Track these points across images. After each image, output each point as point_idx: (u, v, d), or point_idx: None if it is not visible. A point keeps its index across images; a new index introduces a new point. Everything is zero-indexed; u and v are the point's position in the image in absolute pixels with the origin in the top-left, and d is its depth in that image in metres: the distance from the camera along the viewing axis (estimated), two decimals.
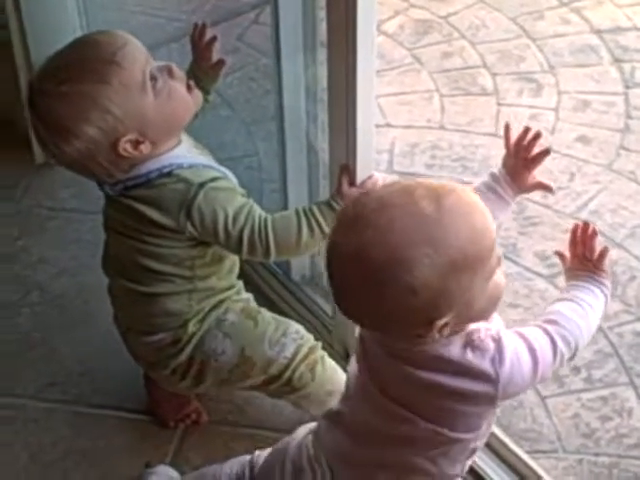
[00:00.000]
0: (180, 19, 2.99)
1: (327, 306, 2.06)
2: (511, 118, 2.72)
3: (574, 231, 1.53)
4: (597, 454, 1.93)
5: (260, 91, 2.61)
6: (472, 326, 1.35)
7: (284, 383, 1.81)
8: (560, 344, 1.39)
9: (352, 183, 1.72)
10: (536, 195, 2.44)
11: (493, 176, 1.59)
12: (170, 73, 1.66)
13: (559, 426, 1.97)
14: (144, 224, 1.69)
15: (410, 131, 2.69)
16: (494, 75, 2.87)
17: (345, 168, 1.72)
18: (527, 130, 1.57)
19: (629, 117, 2.72)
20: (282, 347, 1.78)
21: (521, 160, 1.56)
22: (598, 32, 3.02)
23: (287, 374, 1.80)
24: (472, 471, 1.82)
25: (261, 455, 1.68)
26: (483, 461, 1.84)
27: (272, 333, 1.79)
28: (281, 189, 2.13)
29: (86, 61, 1.62)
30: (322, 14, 1.78)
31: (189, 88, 1.69)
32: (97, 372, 2.06)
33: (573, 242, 1.53)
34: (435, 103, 2.79)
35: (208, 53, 1.83)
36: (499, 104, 2.78)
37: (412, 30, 3.05)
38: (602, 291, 1.48)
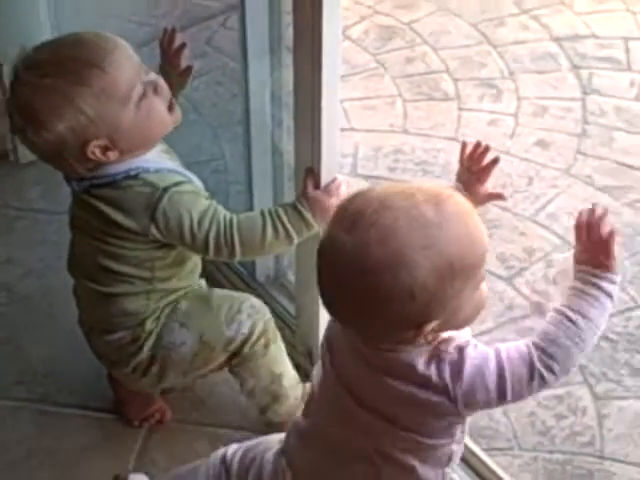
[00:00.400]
0: (150, 23, 2.97)
1: (291, 306, 2.06)
2: (472, 123, 2.73)
3: (579, 217, 1.44)
4: (552, 451, 1.93)
5: (227, 95, 2.61)
6: (442, 335, 1.34)
7: (239, 358, 1.80)
8: (541, 369, 1.34)
9: (317, 186, 1.72)
10: None
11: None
12: (155, 89, 1.64)
13: (515, 424, 1.98)
14: (108, 225, 1.68)
15: (373, 135, 2.69)
16: (456, 80, 2.88)
17: (310, 171, 1.72)
18: (479, 144, 1.56)
19: (586, 122, 2.74)
20: (239, 324, 1.77)
21: (473, 173, 1.56)
22: (557, 39, 3.04)
23: (245, 350, 1.79)
24: None
25: (234, 457, 1.62)
26: None
27: (227, 312, 1.77)
28: (247, 191, 2.12)
29: (71, 60, 1.59)
30: (288, 19, 1.78)
31: (171, 107, 1.68)
32: (62, 372, 2.04)
33: (578, 228, 1.44)
34: (398, 108, 2.79)
35: (177, 60, 1.82)
36: (460, 109, 2.79)
37: (376, 36, 3.05)
38: (607, 295, 1.39)
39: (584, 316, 1.37)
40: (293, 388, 1.88)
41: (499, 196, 1.58)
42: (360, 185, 2.50)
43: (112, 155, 1.63)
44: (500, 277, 2.28)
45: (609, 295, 1.40)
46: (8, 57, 2.33)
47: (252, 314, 1.79)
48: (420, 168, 2.58)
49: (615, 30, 3.08)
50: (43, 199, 2.45)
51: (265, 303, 2.06)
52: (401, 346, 1.32)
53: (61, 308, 2.15)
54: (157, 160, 1.71)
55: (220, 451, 1.64)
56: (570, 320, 1.37)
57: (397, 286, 1.23)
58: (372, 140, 2.68)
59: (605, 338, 2.14)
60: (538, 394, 1.98)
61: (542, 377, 1.35)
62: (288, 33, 1.82)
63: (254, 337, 1.79)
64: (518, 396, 1.35)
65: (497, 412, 1.98)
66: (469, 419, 1.43)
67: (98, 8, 2.96)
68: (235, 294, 1.84)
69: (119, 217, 1.66)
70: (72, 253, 1.83)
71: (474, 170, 1.56)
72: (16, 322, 2.15)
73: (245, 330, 1.78)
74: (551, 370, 1.35)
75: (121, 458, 1.89)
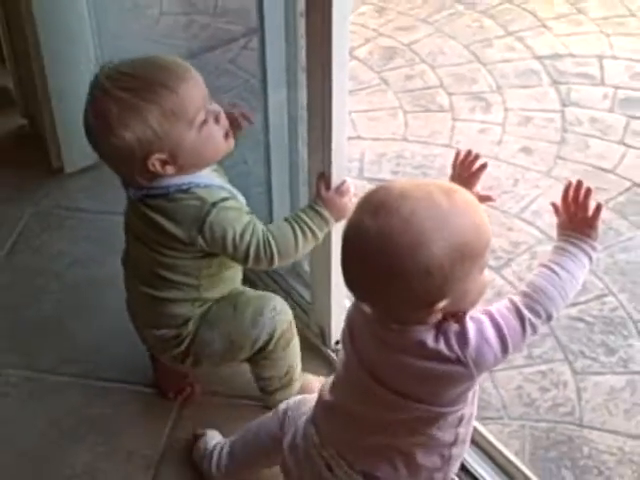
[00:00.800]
0: (180, 45, 2.98)
1: (306, 293, 2.06)
2: (464, 131, 2.72)
3: (567, 189, 1.44)
4: (537, 420, 1.93)
5: (249, 108, 2.60)
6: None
7: (264, 353, 1.79)
8: (528, 315, 1.35)
9: (328, 188, 1.71)
10: None
11: None
12: (216, 118, 1.62)
13: (504, 396, 1.97)
14: (162, 235, 1.65)
15: (378, 143, 2.69)
16: (450, 94, 2.87)
17: (322, 175, 1.72)
18: (469, 152, 1.55)
19: (565, 131, 2.73)
20: (263, 326, 1.75)
21: (464, 178, 1.54)
22: (539, 58, 3.02)
23: (269, 347, 1.78)
24: None
25: (287, 411, 1.64)
26: None
27: (252, 314, 1.75)
28: (266, 192, 2.11)
29: (149, 80, 1.57)
30: (302, 42, 1.77)
31: (227, 136, 1.66)
32: (105, 350, 2.04)
33: (565, 200, 1.44)
34: (399, 118, 2.78)
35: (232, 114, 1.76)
36: (454, 119, 2.78)
37: (380, 55, 3.04)
38: (586, 254, 1.40)
39: (566, 270, 1.39)
40: (299, 379, 1.87)
41: (488, 198, 1.57)
42: (366, 187, 2.50)
43: (169, 169, 1.60)
44: (490, 267, 2.27)
45: (589, 256, 1.41)
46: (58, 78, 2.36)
47: (275, 316, 1.77)
48: (419, 171, 2.57)
49: (590, 49, 3.06)
50: (88, 200, 2.44)
51: (282, 290, 2.07)
52: (411, 326, 1.31)
53: (104, 295, 2.16)
54: (207, 177, 1.67)
55: (282, 405, 1.66)
56: (553, 271, 1.38)
57: (415, 264, 1.23)
58: (377, 147, 2.67)
59: (582, 320, 2.14)
60: (524, 371, 2.01)
61: (532, 324, 1.35)
62: (302, 54, 1.81)
63: (277, 336, 1.77)
64: (517, 346, 1.36)
65: (488, 386, 1.98)
66: (479, 382, 1.42)
67: (136, 33, 2.97)
68: (260, 296, 1.80)
69: (168, 226, 1.63)
70: (127, 253, 1.80)
71: (464, 175, 1.54)
72: (65, 307, 2.15)
73: (269, 330, 1.76)
74: (537, 314, 1.36)
75: (158, 426, 1.89)
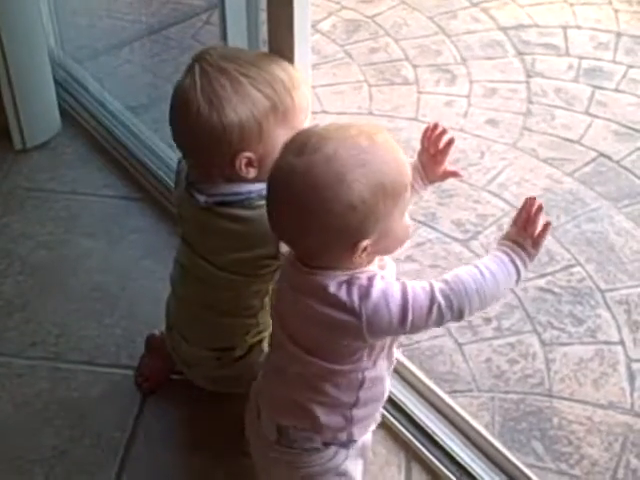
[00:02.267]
0: (141, 21, 2.95)
1: None
2: (430, 104, 2.72)
3: (524, 207, 1.44)
4: (507, 392, 1.94)
5: None
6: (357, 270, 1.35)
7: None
8: (440, 300, 1.34)
9: None
10: None
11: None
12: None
13: (474, 369, 1.98)
14: (241, 250, 1.55)
15: (343, 117, 2.67)
16: (415, 67, 2.86)
17: None
18: (436, 125, 1.54)
19: (530, 102, 2.73)
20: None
21: (432, 154, 1.54)
22: (503, 29, 3.02)
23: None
24: (396, 405, 1.84)
25: None
26: (406, 397, 1.85)
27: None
28: None
29: (270, 75, 1.50)
30: (264, 16, 1.76)
31: None
32: (72, 333, 2.02)
33: (520, 213, 1.44)
34: (364, 92, 2.77)
35: None
36: (419, 92, 2.77)
37: (343, 29, 3.02)
38: (515, 266, 1.40)
39: (493, 275, 1.38)
40: None
41: (455, 174, 1.58)
42: None
43: (252, 172, 1.50)
44: (457, 240, 2.28)
45: (517, 271, 1.41)
46: (14, 56, 2.32)
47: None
48: None
49: (554, 20, 3.06)
50: (51, 181, 2.41)
51: None
52: (325, 270, 1.34)
53: (69, 277, 2.14)
54: None
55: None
56: (481, 273, 1.38)
57: (338, 199, 1.27)
58: (341, 121, 2.65)
59: (550, 291, 2.15)
60: (493, 343, 2.01)
61: (440, 311, 1.34)
62: (264, 29, 1.79)
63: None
64: (417, 324, 1.35)
65: (457, 359, 1.99)
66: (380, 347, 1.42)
67: (95, 8, 2.94)
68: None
69: (254, 235, 1.52)
70: (183, 263, 1.69)
71: (432, 152, 1.54)
72: (29, 290, 2.13)
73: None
74: (449, 304, 1.35)
75: (126, 408, 1.88)
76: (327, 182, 1.27)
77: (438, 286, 1.35)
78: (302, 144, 1.31)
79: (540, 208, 1.42)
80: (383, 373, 1.47)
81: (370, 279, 1.34)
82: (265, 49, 1.77)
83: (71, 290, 2.11)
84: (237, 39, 1.92)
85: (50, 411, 1.88)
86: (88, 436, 1.84)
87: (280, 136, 1.46)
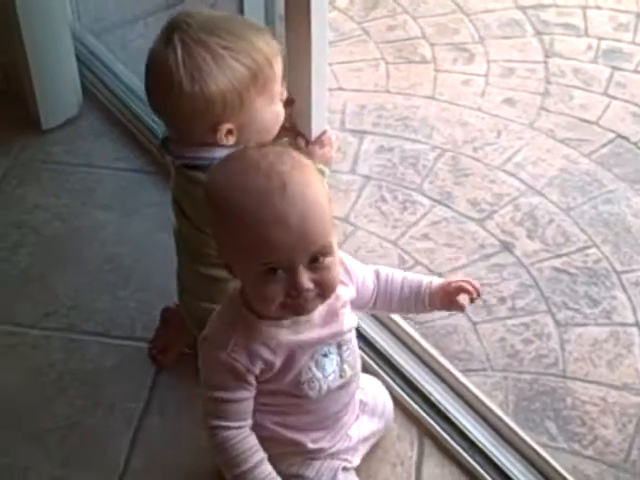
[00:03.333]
0: None
1: None
2: (447, 83, 2.70)
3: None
4: (520, 372, 1.93)
5: None
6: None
7: None
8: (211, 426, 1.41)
9: (308, 142, 1.70)
10: (468, 149, 2.45)
11: (424, 291, 1.55)
12: (285, 101, 1.59)
13: (488, 348, 1.98)
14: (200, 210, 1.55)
15: (359, 94, 2.66)
16: (432, 45, 2.85)
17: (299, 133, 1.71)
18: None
19: (548, 82, 2.71)
20: None
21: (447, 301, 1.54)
22: (522, 8, 3.00)
23: None
24: (409, 382, 1.84)
25: None
26: (419, 375, 1.85)
27: None
28: None
29: (250, 45, 1.50)
30: None
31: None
32: (86, 304, 2.03)
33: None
34: (381, 70, 2.76)
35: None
36: (436, 70, 2.76)
37: (361, 6, 3.01)
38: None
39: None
40: None
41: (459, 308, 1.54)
42: (348, 139, 2.49)
43: (231, 140, 1.53)
44: (472, 219, 2.27)
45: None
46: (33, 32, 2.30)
47: None
48: (401, 123, 2.55)
49: (574, 0, 3.04)
50: (65, 154, 2.41)
51: None
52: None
53: (84, 248, 2.14)
54: None
55: None
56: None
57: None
58: (358, 98, 2.65)
59: (566, 272, 2.14)
60: (508, 322, 2.01)
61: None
62: (280, 3, 1.79)
63: None
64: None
65: (472, 338, 1.99)
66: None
67: None
68: None
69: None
70: (177, 228, 1.72)
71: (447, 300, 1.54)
72: (44, 261, 2.13)
73: None
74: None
75: (140, 379, 1.88)
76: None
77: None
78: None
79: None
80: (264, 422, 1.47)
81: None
82: (281, 24, 1.77)
83: (85, 262, 2.11)
84: (253, 14, 1.92)
85: (64, 381, 1.89)
86: (102, 407, 1.84)
87: (260, 105, 1.51)
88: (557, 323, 2.03)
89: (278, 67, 1.54)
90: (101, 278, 2.07)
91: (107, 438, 1.79)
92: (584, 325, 2.03)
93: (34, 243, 2.17)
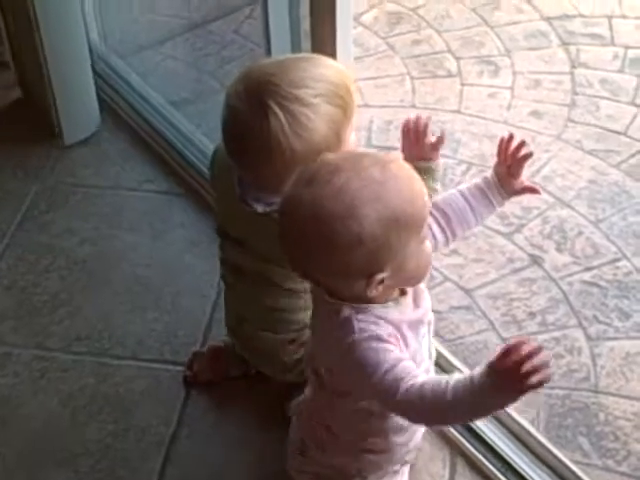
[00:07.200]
0: (183, 16, 2.96)
1: None
2: (473, 96, 2.69)
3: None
4: (552, 387, 1.91)
5: None
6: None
7: None
8: (403, 392, 1.28)
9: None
10: None
11: (485, 181, 1.53)
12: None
13: None
14: None
15: (385, 110, 2.66)
16: (458, 59, 2.84)
17: None
18: (511, 137, 1.51)
19: (575, 93, 2.69)
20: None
21: (507, 167, 1.51)
22: (548, 19, 2.98)
23: None
24: None
25: None
26: None
27: None
28: None
29: (334, 87, 1.48)
30: (306, 9, 1.75)
31: None
32: (116, 328, 2.04)
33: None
34: (407, 85, 2.75)
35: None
36: (462, 84, 2.74)
37: (386, 21, 3.00)
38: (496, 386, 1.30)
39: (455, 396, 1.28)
40: None
41: (533, 190, 1.54)
42: None
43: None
44: (500, 233, 2.25)
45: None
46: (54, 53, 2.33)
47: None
48: None
49: (599, 9, 3.01)
50: (94, 176, 2.42)
51: None
52: (358, 297, 1.31)
53: (113, 271, 2.15)
54: None
55: None
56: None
57: (347, 233, 1.24)
58: (384, 114, 2.64)
59: (596, 285, 2.12)
60: (538, 337, 1.99)
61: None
62: (306, 22, 1.79)
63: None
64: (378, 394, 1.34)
65: None
66: None
67: (137, 3, 2.95)
68: None
69: None
70: (227, 257, 1.73)
71: (508, 163, 1.51)
72: (74, 284, 2.14)
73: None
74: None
75: (170, 403, 1.89)
76: (335, 215, 1.24)
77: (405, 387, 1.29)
78: (312, 175, 1.28)
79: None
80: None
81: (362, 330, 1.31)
82: (307, 42, 1.77)
83: (115, 285, 2.12)
84: (279, 33, 1.92)
85: (95, 405, 1.90)
86: (132, 430, 1.85)
87: (348, 133, 1.50)
88: (588, 337, 2.01)
89: (352, 85, 1.52)
90: (130, 301, 2.08)
91: (138, 462, 1.80)
92: (615, 339, 2.01)
93: (64, 267, 2.18)
